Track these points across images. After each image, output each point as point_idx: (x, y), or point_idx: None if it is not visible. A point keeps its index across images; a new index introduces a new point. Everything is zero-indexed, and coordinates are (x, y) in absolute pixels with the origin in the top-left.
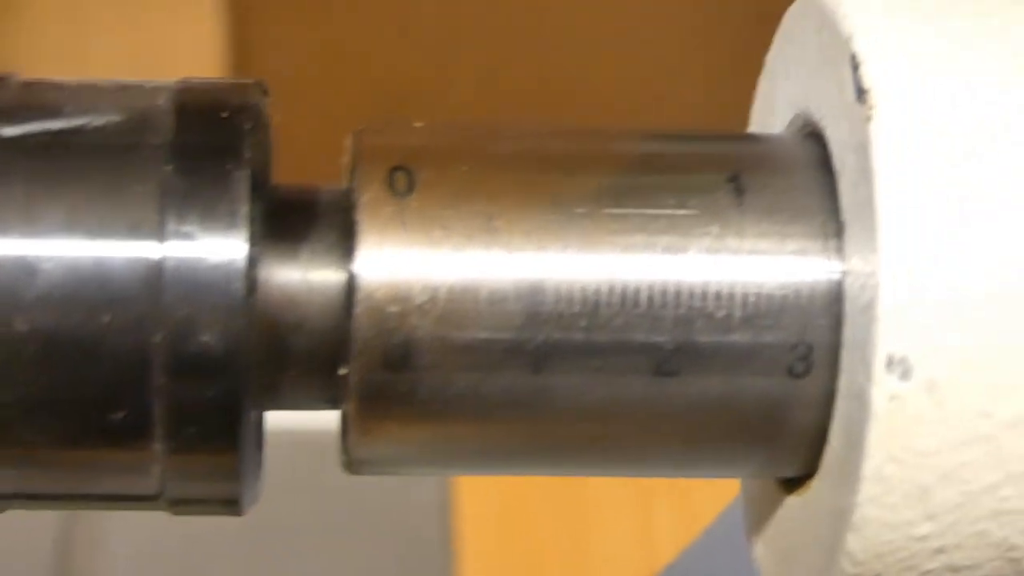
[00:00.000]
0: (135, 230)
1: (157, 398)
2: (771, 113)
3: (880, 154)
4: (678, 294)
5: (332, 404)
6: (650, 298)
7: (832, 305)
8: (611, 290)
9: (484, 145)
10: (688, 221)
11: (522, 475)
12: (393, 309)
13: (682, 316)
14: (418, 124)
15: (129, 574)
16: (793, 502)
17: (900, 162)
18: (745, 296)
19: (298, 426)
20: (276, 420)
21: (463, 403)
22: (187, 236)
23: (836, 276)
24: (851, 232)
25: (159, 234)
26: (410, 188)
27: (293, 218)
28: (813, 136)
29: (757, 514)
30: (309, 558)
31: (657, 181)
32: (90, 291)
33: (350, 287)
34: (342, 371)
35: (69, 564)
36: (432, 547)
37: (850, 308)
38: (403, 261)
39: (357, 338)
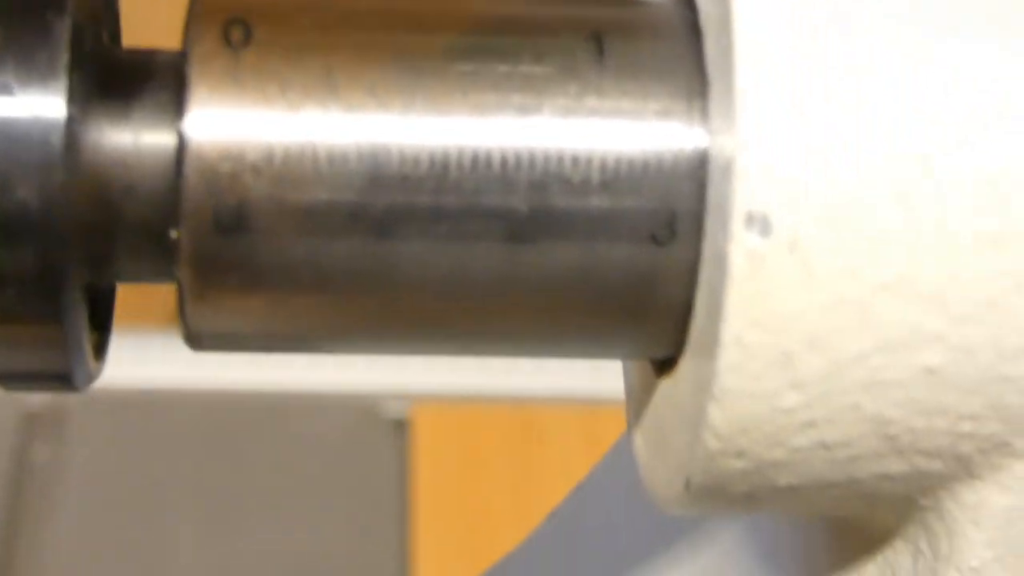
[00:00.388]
0: None
1: None
2: None
3: (739, 4)
4: (532, 157)
5: (167, 275)
6: (503, 160)
7: (697, 169)
8: (460, 152)
9: (326, 0)
10: (544, 80)
11: (371, 354)
12: (225, 168)
13: (536, 180)
14: None
15: (79, 547)
16: (664, 385)
17: (759, 9)
18: (604, 159)
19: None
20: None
21: (303, 271)
22: (2, 88)
23: (700, 138)
24: (714, 90)
25: None
26: (246, 42)
27: (127, 78)
28: (685, 1)
29: (636, 404)
30: (267, 518)
31: (513, 39)
32: None
33: (179, 146)
34: (173, 234)
35: (16, 539)
36: (387, 503)
37: (713, 169)
38: (235, 118)
39: (188, 199)
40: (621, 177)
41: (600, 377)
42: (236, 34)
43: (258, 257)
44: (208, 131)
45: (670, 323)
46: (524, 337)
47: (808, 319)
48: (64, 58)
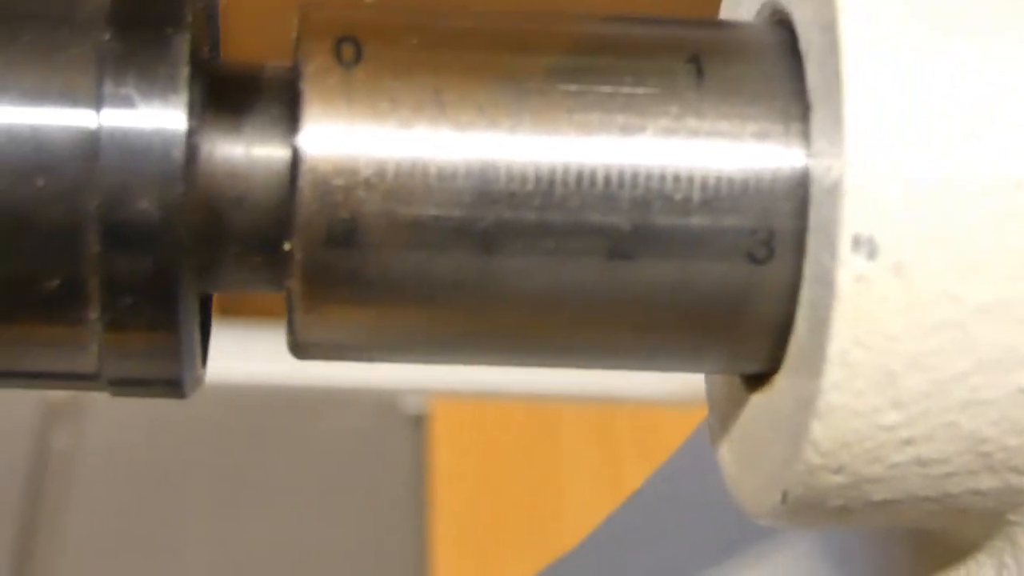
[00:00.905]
0: (71, 94)
1: (92, 268)
2: (738, 4)
3: (847, 29)
4: (635, 175)
5: (277, 284)
6: (606, 178)
7: (796, 189)
8: (566, 169)
9: (435, 19)
10: (646, 100)
11: (471, 364)
12: (338, 183)
13: (639, 197)
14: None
15: (98, 535)
16: (757, 399)
17: (866, 37)
18: (704, 178)
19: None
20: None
21: (410, 283)
22: (124, 100)
23: (799, 159)
24: (817, 114)
25: (96, 98)
26: (357, 59)
27: (238, 91)
28: (781, 23)
29: (721, 416)
30: (285, 511)
31: (614, 60)
32: (23, 156)
33: (294, 160)
34: (286, 246)
35: (36, 527)
36: (405, 498)
37: (816, 191)
38: (349, 133)
39: (301, 212)
40: (721, 196)
41: (616, 376)
42: (347, 51)
43: (368, 270)
44: (322, 146)
45: (767, 340)
46: (617, 350)
47: (910, 340)
48: (184, 72)
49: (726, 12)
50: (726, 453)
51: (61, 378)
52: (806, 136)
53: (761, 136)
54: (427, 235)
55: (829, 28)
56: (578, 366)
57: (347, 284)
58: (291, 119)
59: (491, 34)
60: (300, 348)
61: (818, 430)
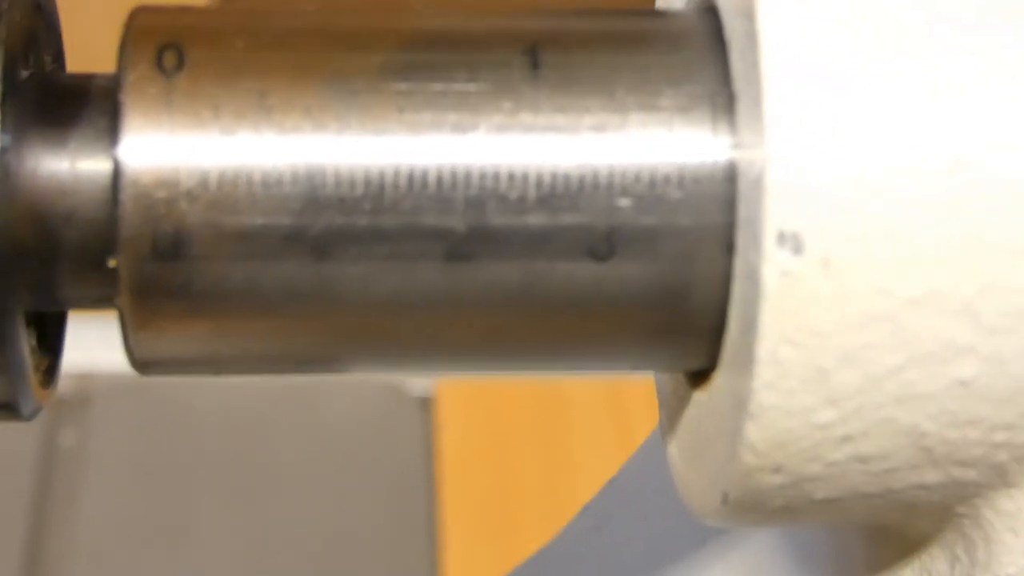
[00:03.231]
0: None
1: None
2: None
3: (767, 16)
4: (468, 175)
5: (109, 301)
6: (439, 179)
7: (716, 184)
8: (396, 171)
9: (265, 20)
10: (479, 97)
11: (313, 374)
12: (160, 195)
13: (473, 198)
14: (198, 4)
15: (107, 530)
16: (699, 398)
17: (788, 25)
18: (539, 176)
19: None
20: None
21: (242, 295)
22: None
23: (718, 153)
24: (741, 105)
25: None
26: (179, 66)
27: (65, 104)
28: (710, 11)
29: (668, 413)
30: (294, 497)
31: (448, 56)
32: None
33: (116, 173)
34: (111, 263)
35: (44, 524)
36: (414, 480)
37: (742, 185)
38: (169, 144)
39: (125, 227)
40: (557, 194)
41: None
42: (169, 59)
43: (197, 283)
44: (142, 158)
45: (700, 337)
46: (462, 357)
47: (841, 335)
48: None
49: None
50: (673, 451)
51: None
52: (726, 128)
53: (596, 128)
54: (256, 245)
55: (750, 15)
56: (423, 372)
57: (176, 298)
58: (113, 131)
59: (322, 33)
60: (141, 365)
61: (752, 431)
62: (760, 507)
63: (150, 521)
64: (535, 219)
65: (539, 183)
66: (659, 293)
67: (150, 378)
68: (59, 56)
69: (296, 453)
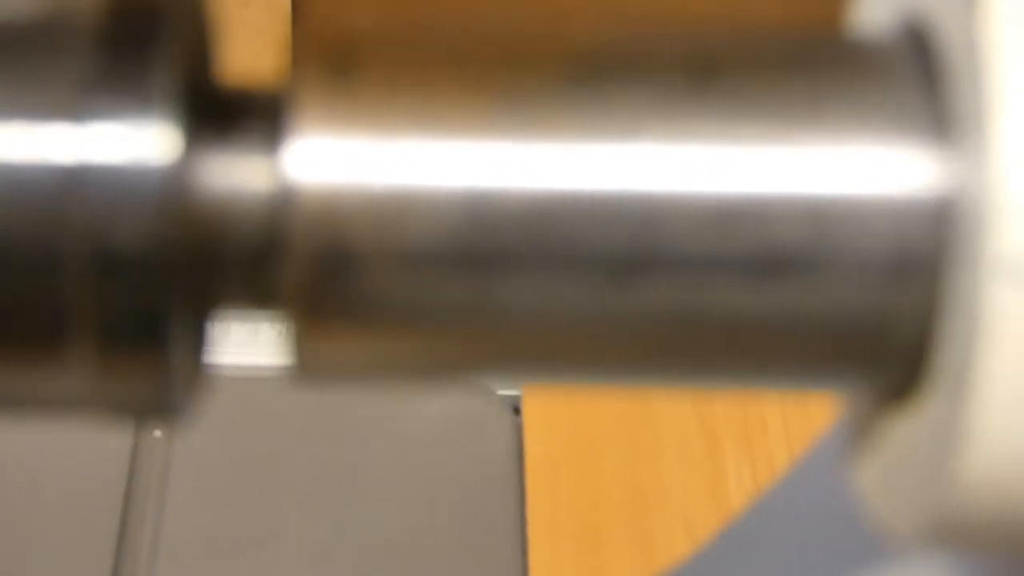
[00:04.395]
0: (48, 120)
1: (78, 298)
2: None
3: (994, 41)
4: (635, 195)
5: (270, 313)
6: (607, 199)
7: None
8: (565, 190)
9: (434, 36)
10: (651, 117)
11: (467, 383)
12: (329, 208)
13: (642, 219)
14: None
15: (192, 526)
16: (902, 419)
17: (1012, 51)
18: (707, 197)
19: None
20: None
21: (407, 312)
22: (105, 127)
23: (934, 180)
24: (961, 133)
25: (75, 124)
26: (351, 78)
27: (229, 112)
28: (916, 35)
29: (859, 436)
30: (380, 499)
31: (620, 73)
32: None
33: (283, 184)
34: (277, 276)
35: (131, 518)
36: (501, 485)
37: (961, 212)
38: (339, 156)
39: (291, 239)
40: (731, 217)
41: None
42: (341, 70)
43: (362, 297)
44: (311, 169)
45: (904, 361)
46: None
47: None
48: (169, 94)
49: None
50: (864, 473)
51: (55, 405)
52: (938, 154)
53: (768, 149)
54: (422, 261)
55: (970, 44)
56: (612, 384)
57: (342, 312)
58: (280, 141)
59: (496, 47)
60: (303, 378)
61: (968, 457)
62: (970, 534)
63: (235, 517)
64: (705, 242)
65: (707, 205)
66: (855, 316)
67: (234, 375)
68: (216, 65)
69: (383, 455)
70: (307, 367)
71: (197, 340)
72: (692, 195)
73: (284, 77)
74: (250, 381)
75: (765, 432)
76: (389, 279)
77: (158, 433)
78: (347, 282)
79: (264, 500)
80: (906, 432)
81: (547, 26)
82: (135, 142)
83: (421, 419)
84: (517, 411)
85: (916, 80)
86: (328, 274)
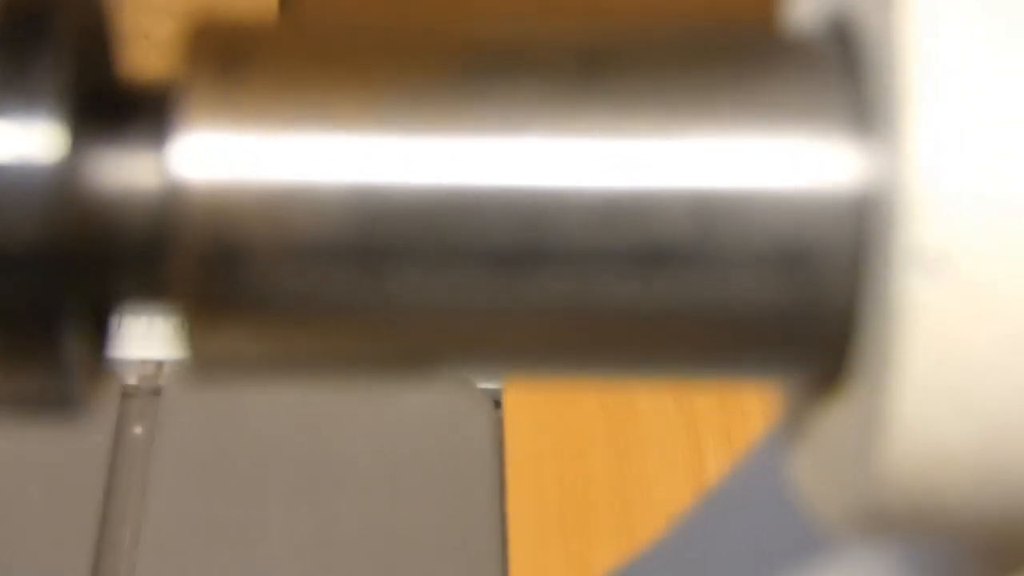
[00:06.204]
0: None
1: None
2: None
3: (910, 30)
4: (522, 188)
5: (163, 307)
6: (495, 192)
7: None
8: (456, 184)
9: (324, 33)
10: (543, 107)
11: (366, 383)
12: (218, 202)
13: (529, 211)
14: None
15: (175, 521)
16: (831, 408)
17: (932, 41)
18: (594, 190)
19: None
20: None
21: (299, 306)
22: None
23: (847, 172)
24: (878, 123)
25: None
26: (240, 73)
27: (120, 107)
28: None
29: (793, 424)
30: (362, 492)
31: (511, 64)
32: None
33: (172, 179)
34: (167, 271)
35: (113, 514)
36: (483, 478)
37: (876, 203)
38: (229, 150)
39: (181, 235)
40: (620, 210)
41: None
42: (230, 66)
43: (254, 293)
44: (200, 164)
45: (830, 349)
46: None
47: (986, 352)
48: (52, 91)
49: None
50: (799, 461)
51: None
52: (855, 144)
53: (655, 141)
54: (315, 256)
55: (886, 28)
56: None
57: (232, 308)
58: (170, 136)
59: (385, 43)
60: (196, 373)
61: (892, 444)
62: (894, 521)
63: (217, 511)
64: (593, 234)
65: (596, 199)
66: (753, 308)
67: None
68: (115, 59)
69: (365, 449)
70: (200, 361)
71: (95, 336)
72: (577, 189)
73: (174, 73)
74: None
75: (746, 424)
76: (277, 273)
77: (139, 429)
78: (236, 276)
79: (244, 494)
80: (832, 422)
81: (436, 20)
82: (20, 140)
83: (401, 413)
84: (498, 405)
85: (837, 75)
86: (217, 269)
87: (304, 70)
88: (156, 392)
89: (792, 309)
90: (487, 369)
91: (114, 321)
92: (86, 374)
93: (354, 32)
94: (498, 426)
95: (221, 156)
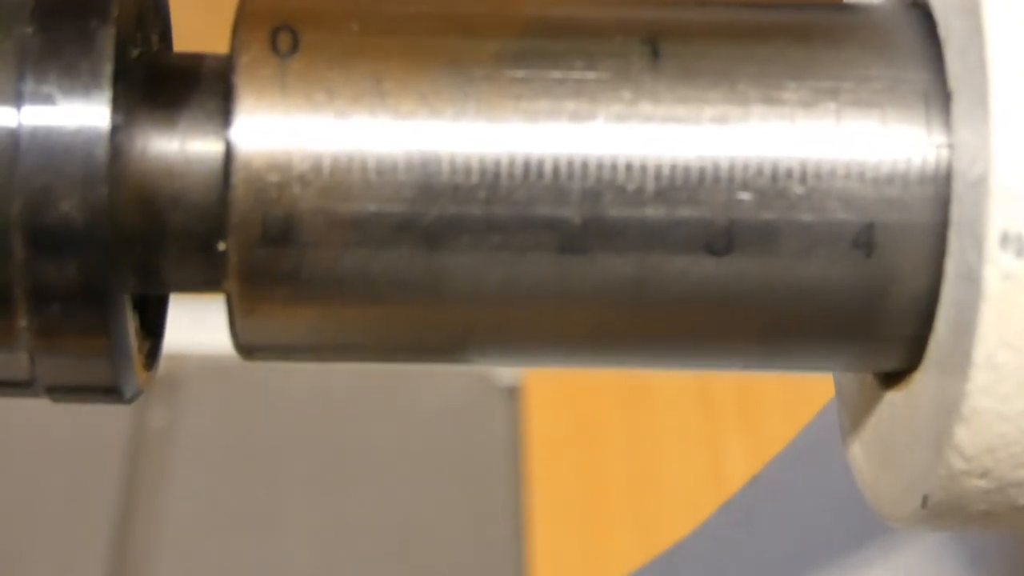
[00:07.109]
0: None
1: (18, 273)
2: None
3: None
4: (585, 165)
5: (215, 285)
6: (555, 169)
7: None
8: (512, 160)
9: (377, 6)
10: (597, 86)
11: (415, 363)
12: (272, 179)
13: (590, 189)
14: None
15: (195, 512)
16: (893, 399)
17: (1013, 24)
18: (658, 168)
19: None
20: None
21: (351, 283)
22: (46, 99)
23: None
24: (957, 102)
25: (16, 97)
26: (293, 49)
27: (175, 85)
28: (915, 5)
29: (852, 413)
30: (380, 485)
31: (566, 44)
32: None
33: (226, 156)
34: (221, 246)
35: (134, 504)
36: (501, 469)
37: (957, 186)
38: (282, 127)
39: (235, 210)
40: (676, 186)
41: None
42: (283, 41)
43: (306, 269)
44: (254, 140)
45: (896, 340)
46: (572, 349)
47: None
48: (108, 67)
49: None
50: (858, 453)
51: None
52: (937, 127)
53: (720, 120)
54: (367, 232)
55: (973, 10)
56: (563, 365)
57: (285, 284)
58: (225, 113)
59: (439, 18)
60: (244, 350)
61: (962, 434)
62: (960, 511)
63: (237, 503)
64: (652, 212)
65: (658, 175)
66: (857, 289)
67: (238, 360)
68: (167, 36)
69: (383, 440)
70: (252, 341)
71: (143, 318)
72: (643, 163)
73: (229, 49)
74: (251, 365)
75: (765, 413)
76: (334, 248)
77: (159, 419)
78: (291, 252)
79: (264, 484)
80: (899, 411)
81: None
82: (74, 116)
83: (420, 404)
84: (516, 395)
85: (915, 47)
86: (272, 244)
87: (360, 46)
88: (177, 383)
89: (868, 292)
90: (536, 356)
91: (163, 303)
92: (139, 358)
93: (404, 5)
94: (516, 416)
95: (278, 131)
